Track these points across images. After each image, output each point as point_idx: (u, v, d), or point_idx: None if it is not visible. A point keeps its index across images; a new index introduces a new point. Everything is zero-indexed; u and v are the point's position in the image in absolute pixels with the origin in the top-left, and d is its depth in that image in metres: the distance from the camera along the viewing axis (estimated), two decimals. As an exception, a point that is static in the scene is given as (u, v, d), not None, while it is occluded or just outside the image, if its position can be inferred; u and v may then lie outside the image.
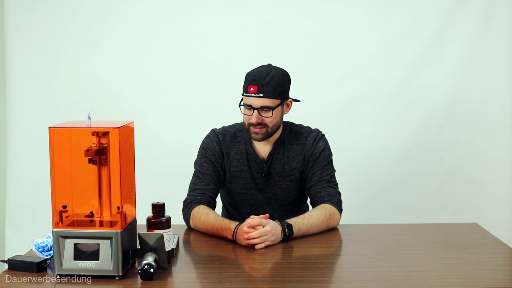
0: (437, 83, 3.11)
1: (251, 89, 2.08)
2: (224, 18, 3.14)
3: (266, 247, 1.91)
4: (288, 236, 1.96)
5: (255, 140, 2.16)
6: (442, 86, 3.11)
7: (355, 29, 3.11)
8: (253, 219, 1.92)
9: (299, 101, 2.26)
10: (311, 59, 3.13)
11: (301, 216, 2.03)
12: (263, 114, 2.10)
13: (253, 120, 2.10)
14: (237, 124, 2.28)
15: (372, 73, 3.12)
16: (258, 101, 2.08)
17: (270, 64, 2.18)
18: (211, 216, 2.04)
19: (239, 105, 2.15)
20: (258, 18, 3.13)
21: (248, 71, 2.15)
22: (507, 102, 3.11)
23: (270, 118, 2.10)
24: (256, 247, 1.88)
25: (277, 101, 2.11)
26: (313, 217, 2.04)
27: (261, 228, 1.90)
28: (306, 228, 2.01)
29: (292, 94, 3.14)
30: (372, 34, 3.10)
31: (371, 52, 3.11)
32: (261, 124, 2.11)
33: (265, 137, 2.15)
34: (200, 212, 2.08)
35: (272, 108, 2.09)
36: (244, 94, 2.12)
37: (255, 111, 2.09)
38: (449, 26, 3.06)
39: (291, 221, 1.99)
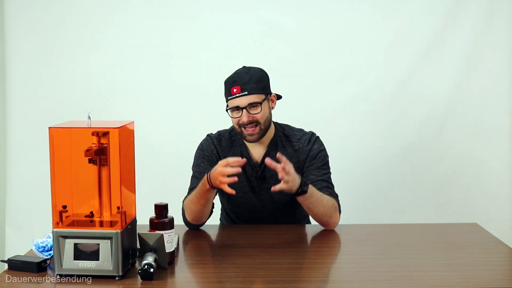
0: (437, 83, 3.11)
1: (234, 90, 2.09)
2: (224, 18, 3.14)
3: (265, 247, 1.91)
4: (302, 191, 1.97)
5: (251, 141, 2.16)
6: (442, 86, 3.11)
7: (355, 29, 3.11)
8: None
9: (281, 96, 2.26)
10: (311, 59, 3.13)
11: (313, 188, 2.05)
12: (252, 111, 2.10)
13: (244, 119, 2.10)
14: (232, 127, 2.28)
15: (372, 73, 3.12)
16: (244, 100, 2.09)
17: (246, 66, 2.19)
18: (192, 192, 2.09)
19: (227, 110, 2.15)
20: (258, 18, 3.13)
21: (225, 78, 2.17)
22: (507, 102, 3.11)
23: (260, 114, 2.11)
24: (273, 188, 1.92)
25: (262, 96, 2.12)
26: (324, 197, 2.07)
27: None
28: (316, 200, 2.03)
29: (292, 93, 3.14)
30: (372, 34, 3.10)
31: (371, 52, 3.11)
32: (252, 122, 2.11)
33: (260, 136, 2.15)
34: (187, 200, 2.12)
35: (259, 103, 2.10)
36: (229, 98, 2.12)
37: (244, 110, 2.10)
38: (449, 26, 3.06)
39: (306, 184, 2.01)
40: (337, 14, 3.11)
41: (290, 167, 1.93)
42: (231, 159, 1.92)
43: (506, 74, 3.10)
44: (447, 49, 3.07)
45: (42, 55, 3.19)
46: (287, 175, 1.92)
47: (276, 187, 1.93)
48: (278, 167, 1.91)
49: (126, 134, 1.69)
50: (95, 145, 1.66)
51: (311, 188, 2.02)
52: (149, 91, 3.19)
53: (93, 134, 1.66)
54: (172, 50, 3.17)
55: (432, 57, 3.08)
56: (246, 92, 2.09)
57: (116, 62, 3.18)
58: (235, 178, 1.92)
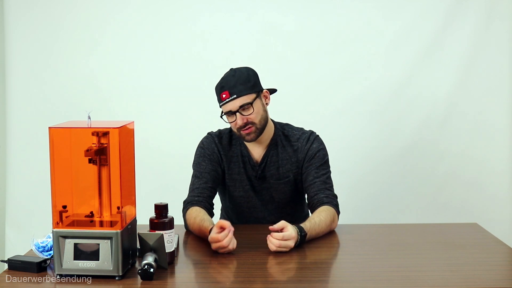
0: (437, 83, 3.11)
1: (224, 96, 2.09)
2: (224, 18, 3.14)
3: (265, 247, 1.90)
4: (299, 245, 1.92)
5: (249, 141, 2.16)
6: (442, 86, 3.11)
7: (355, 29, 3.11)
8: (222, 224, 1.85)
9: (275, 90, 2.25)
10: (312, 59, 3.13)
11: (313, 221, 1.99)
12: (244, 113, 2.10)
13: (239, 122, 2.10)
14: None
15: (372, 74, 3.12)
16: (234, 104, 2.09)
17: (232, 68, 2.18)
18: (198, 218, 2.02)
19: (221, 116, 2.15)
20: (258, 18, 3.13)
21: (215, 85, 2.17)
22: (507, 102, 3.11)
23: (253, 114, 2.10)
24: (272, 248, 1.85)
25: (253, 95, 2.11)
26: (322, 222, 2.01)
27: (278, 233, 1.86)
28: (317, 233, 2.00)
29: (292, 93, 3.14)
30: (372, 34, 3.10)
31: (371, 52, 3.11)
32: (247, 123, 2.11)
33: (257, 135, 2.14)
34: (190, 215, 2.07)
35: (250, 103, 2.10)
36: (221, 104, 2.13)
37: (237, 114, 2.10)
38: (449, 26, 3.06)
39: (305, 227, 1.94)
40: (337, 14, 3.11)
41: (284, 225, 1.87)
42: (223, 224, 1.84)
43: (506, 74, 3.10)
44: (447, 49, 3.07)
45: (42, 55, 3.19)
46: (288, 240, 1.86)
47: (273, 249, 1.86)
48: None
49: (126, 134, 1.69)
50: (95, 145, 1.66)
51: (309, 233, 1.94)
52: (149, 91, 3.19)
53: (93, 134, 1.66)
54: (172, 50, 3.16)
55: (432, 57, 3.09)
56: (235, 96, 2.08)
57: (116, 62, 3.18)
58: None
